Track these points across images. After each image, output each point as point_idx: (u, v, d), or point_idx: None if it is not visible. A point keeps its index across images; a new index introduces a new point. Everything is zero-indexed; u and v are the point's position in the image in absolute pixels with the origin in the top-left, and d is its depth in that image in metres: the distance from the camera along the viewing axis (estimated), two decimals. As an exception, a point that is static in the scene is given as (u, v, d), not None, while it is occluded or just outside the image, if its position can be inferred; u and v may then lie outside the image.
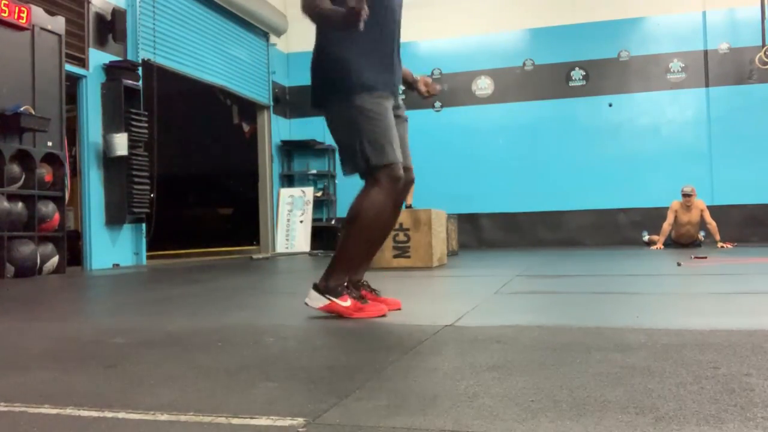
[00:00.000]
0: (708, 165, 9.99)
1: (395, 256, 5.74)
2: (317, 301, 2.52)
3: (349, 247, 2.55)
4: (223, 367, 1.70)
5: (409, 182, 2.72)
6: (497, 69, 10.87)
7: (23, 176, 5.89)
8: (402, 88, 2.87)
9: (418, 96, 3.07)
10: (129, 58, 7.56)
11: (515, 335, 2.04)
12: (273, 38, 10.99)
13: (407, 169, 2.68)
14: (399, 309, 2.69)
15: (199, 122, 12.48)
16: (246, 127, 11.16)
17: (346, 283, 2.55)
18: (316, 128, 10.94)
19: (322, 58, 2.61)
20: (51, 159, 6.21)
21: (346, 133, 2.57)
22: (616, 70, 10.46)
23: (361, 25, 2.33)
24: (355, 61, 2.53)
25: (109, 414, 1.26)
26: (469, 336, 2.05)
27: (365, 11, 2.31)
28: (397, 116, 2.67)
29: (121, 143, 7.10)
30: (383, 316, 2.52)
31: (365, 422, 1.15)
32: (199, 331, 2.34)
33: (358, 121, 2.51)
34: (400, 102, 2.77)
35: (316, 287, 2.54)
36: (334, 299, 2.50)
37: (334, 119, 2.61)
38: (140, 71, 7.63)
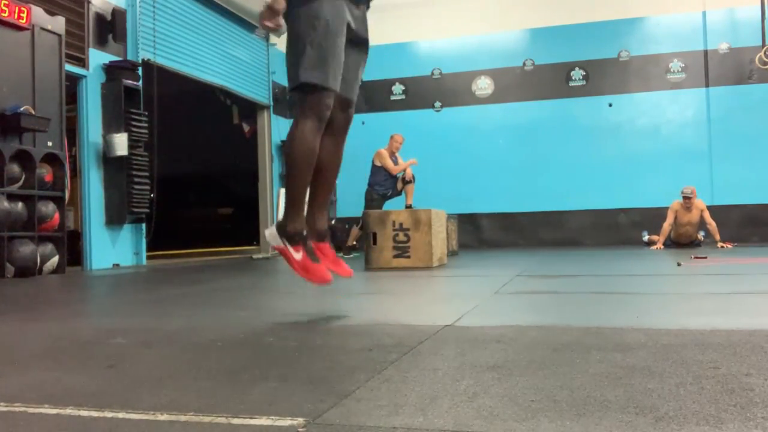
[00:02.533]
0: (708, 165, 9.99)
1: (395, 256, 5.74)
2: (274, 239, 2.56)
3: (288, 183, 2.55)
4: (223, 367, 1.70)
5: (349, 118, 2.63)
6: (497, 69, 10.88)
7: (23, 176, 5.89)
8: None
9: None
10: (129, 58, 7.56)
11: (515, 335, 2.04)
12: (273, 38, 10.99)
13: (348, 102, 2.59)
14: (350, 276, 2.68)
15: (199, 122, 12.48)
16: (246, 127, 11.16)
17: (305, 232, 2.56)
18: (316, 128, 10.92)
19: None
20: (51, 159, 6.22)
21: (290, 42, 2.48)
22: (616, 70, 10.46)
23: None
24: None
25: (109, 414, 1.26)
26: (469, 336, 2.05)
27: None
28: (355, 42, 2.54)
29: (121, 143, 7.10)
30: (325, 283, 2.54)
31: (365, 422, 1.15)
32: (199, 331, 2.34)
33: (304, 29, 2.41)
34: (365, 20, 2.61)
35: (278, 226, 2.57)
36: (288, 246, 2.53)
37: (289, 30, 2.51)
38: (140, 71, 7.63)
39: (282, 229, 2.55)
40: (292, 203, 2.55)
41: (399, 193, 8.25)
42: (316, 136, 2.46)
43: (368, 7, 2.64)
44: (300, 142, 2.45)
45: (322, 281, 2.53)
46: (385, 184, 8.09)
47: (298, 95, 2.48)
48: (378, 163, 8.11)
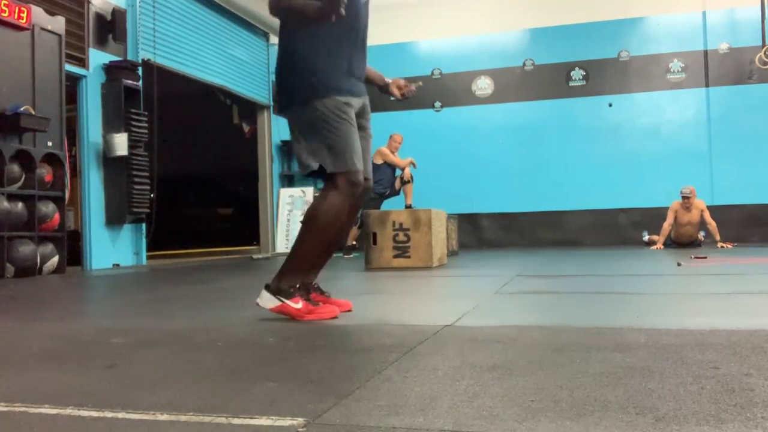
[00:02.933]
0: (708, 165, 9.99)
1: (395, 256, 5.74)
2: (269, 301, 2.51)
3: (303, 248, 2.55)
4: (223, 367, 1.70)
5: (367, 190, 2.69)
6: (497, 69, 10.87)
7: (23, 176, 5.89)
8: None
9: (394, 99, 2.98)
10: (129, 58, 7.56)
11: (515, 335, 2.04)
12: (273, 38, 10.99)
13: (365, 178, 2.65)
14: (350, 310, 2.68)
15: (199, 122, 12.48)
16: (246, 127, 11.16)
17: (298, 285, 2.54)
18: (316, 128, 10.92)
19: (287, 61, 2.57)
20: (51, 159, 6.22)
21: (306, 137, 2.53)
22: (616, 70, 10.45)
23: (342, 12, 2.28)
24: (321, 64, 2.49)
25: (109, 414, 1.26)
26: (469, 336, 2.05)
27: None
28: (361, 127, 2.64)
29: (121, 143, 7.10)
30: (334, 317, 2.52)
31: (365, 422, 1.15)
32: (199, 331, 2.34)
33: (319, 126, 2.49)
34: (367, 110, 2.73)
35: (268, 287, 2.53)
36: (285, 301, 2.49)
37: (296, 123, 2.58)
38: (140, 71, 7.63)
39: (276, 288, 2.52)
40: (301, 266, 2.56)
41: (397, 193, 8.25)
42: (345, 211, 2.55)
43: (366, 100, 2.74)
44: (329, 216, 2.50)
45: (331, 315, 2.52)
46: (383, 183, 8.09)
47: (331, 177, 2.51)
48: (379, 161, 8.10)
